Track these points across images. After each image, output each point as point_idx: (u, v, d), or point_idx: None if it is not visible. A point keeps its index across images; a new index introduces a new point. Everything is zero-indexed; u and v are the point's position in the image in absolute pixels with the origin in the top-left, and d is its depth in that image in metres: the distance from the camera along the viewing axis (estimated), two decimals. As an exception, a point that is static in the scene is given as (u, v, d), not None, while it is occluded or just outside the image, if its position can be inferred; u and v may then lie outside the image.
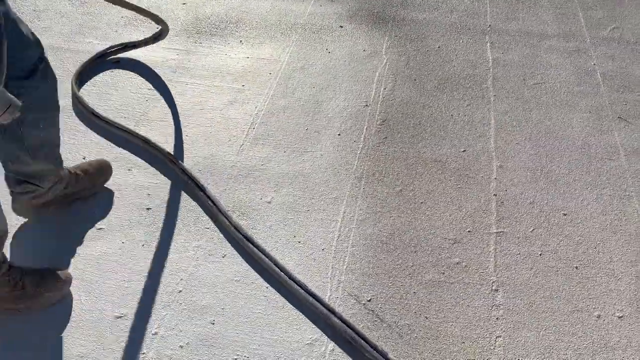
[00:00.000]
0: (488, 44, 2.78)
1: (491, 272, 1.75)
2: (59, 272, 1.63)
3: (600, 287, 1.71)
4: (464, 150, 2.18)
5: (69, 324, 1.58)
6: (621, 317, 1.63)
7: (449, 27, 2.90)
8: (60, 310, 1.60)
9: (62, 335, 1.55)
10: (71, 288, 1.65)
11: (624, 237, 1.85)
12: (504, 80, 2.54)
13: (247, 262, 1.75)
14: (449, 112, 2.37)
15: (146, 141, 2.11)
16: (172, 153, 2.11)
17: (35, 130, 1.61)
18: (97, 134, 2.19)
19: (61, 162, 1.80)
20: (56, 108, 1.69)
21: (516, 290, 1.70)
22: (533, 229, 1.88)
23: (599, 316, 1.63)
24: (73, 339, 1.54)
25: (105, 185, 1.97)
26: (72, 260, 1.73)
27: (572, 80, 2.55)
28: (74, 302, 1.63)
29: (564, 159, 2.14)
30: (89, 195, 1.93)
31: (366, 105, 2.39)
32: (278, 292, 1.67)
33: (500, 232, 1.87)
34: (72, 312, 1.60)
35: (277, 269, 1.69)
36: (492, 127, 2.29)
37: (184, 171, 2.00)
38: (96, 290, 1.66)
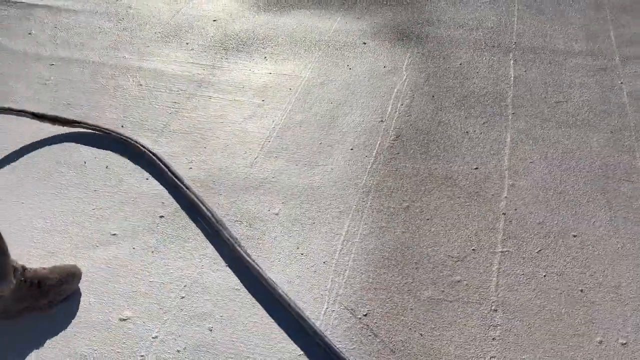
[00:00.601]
0: (512, 62, 2.76)
1: (492, 292, 1.73)
2: (69, 265, 1.73)
3: (605, 311, 1.66)
4: (476, 168, 2.17)
5: (76, 324, 1.66)
6: (625, 343, 1.58)
7: (472, 44, 2.90)
8: (68, 310, 1.69)
9: (68, 334, 1.63)
10: (82, 289, 1.75)
11: (635, 262, 1.79)
12: (524, 98, 2.51)
13: (249, 272, 1.80)
14: (465, 129, 2.36)
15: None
16: (191, 162, 2.20)
17: None
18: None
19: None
20: None
21: (516, 311, 1.67)
22: (540, 250, 1.85)
23: (600, 342, 1.59)
24: (78, 339, 1.62)
25: (125, 193, 2.07)
26: (84, 263, 1.82)
27: (596, 99, 2.49)
28: (82, 303, 1.72)
29: (579, 180, 2.09)
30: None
31: (381, 120, 2.41)
32: (276, 303, 1.71)
33: (506, 251, 1.85)
34: (80, 313, 1.69)
35: (270, 289, 1.72)
36: (508, 145, 2.26)
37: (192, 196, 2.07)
38: (105, 292, 1.75)
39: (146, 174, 2.16)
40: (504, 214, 1.98)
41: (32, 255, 1.86)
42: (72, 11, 3.24)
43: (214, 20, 3.18)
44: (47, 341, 1.62)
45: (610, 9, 3.15)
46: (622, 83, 2.58)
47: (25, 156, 2.24)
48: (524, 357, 1.56)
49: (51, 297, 1.68)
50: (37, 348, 1.60)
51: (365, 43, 2.94)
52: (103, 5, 3.31)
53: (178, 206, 2.04)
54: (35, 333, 1.63)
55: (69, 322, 1.66)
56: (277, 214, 2.00)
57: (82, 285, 1.75)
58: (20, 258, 1.83)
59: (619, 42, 2.87)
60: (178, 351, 1.59)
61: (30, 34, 3.05)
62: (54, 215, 2.00)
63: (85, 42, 2.96)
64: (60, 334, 1.63)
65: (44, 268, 1.69)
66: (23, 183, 2.12)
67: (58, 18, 3.18)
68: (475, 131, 2.34)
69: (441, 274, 1.79)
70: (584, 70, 2.68)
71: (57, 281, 1.68)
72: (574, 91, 2.55)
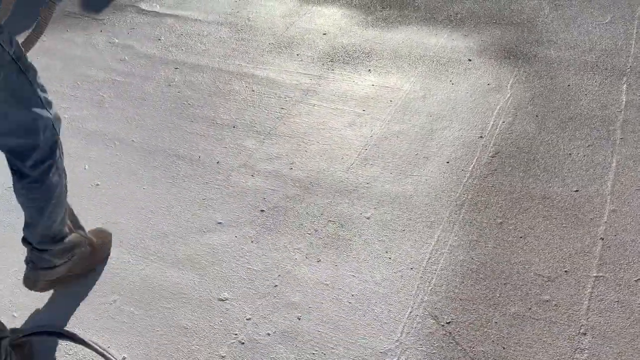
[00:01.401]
0: (625, 85, 2.65)
1: (582, 315, 1.69)
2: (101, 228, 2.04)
3: None
4: (577, 191, 2.12)
5: (180, 299, 1.84)
6: None
7: (583, 66, 2.82)
8: (173, 287, 1.88)
9: (173, 307, 1.82)
10: (186, 270, 1.93)
11: None
12: (636, 123, 2.41)
13: (338, 269, 1.89)
14: (568, 150, 2.31)
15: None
16: (292, 164, 2.34)
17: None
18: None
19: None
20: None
21: (606, 337, 1.62)
22: (639, 279, 1.77)
23: (700, 380, 1.50)
24: (181, 313, 1.80)
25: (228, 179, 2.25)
26: (192, 246, 2.01)
27: None
28: (187, 281, 1.90)
29: (691, 211, 1.98)
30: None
31: (481, 136, 2.42)
32: (362, 300, 1.79)
33: (601, 276, 1.80)
34: (184, 290, 1.87)
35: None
36: (612, 170, 2.19)
37: None
38: (207, 274, 1.92)
39: (252, 172, 2.33)
40: (602, 238, 1.92)
41: (146, 235, 2.08)
42: (197, 21, 3.55)
43: (324, 34, 3.34)
44: (149, 313, 1.81)
45: None
46: None
47: (144, 146, 2.51)
48: (611, 384, 1.51)
49: (100, 255, 1.97)
50: (143, 320, 1.80)
51: (470, 60, 2.96)
52: (225, 16, 3.60)
53: (277, 203, 2.18)
54: (142, 303, 1.83)
55: (174, 298, 1.85)
56: (368, 218, 2.08)
57: (188, 265, 1.94)
58: (135, 237, 2.07)
59: None
60: (268, 334, 1.72)
61: (159, 40, 3.38)
62: (168, 201, 2.22)
63: (207, 49, 3.24)
64: (165, 306, 1.82)
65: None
66: (143, 170, 2.38)
67: (185, 27, 3.49)
68: (578, 154, 2.29)
69: (530, 291, 1.77)
70: None
71: (102, 239, 1.99)
72: (693, 119, 2.41)
